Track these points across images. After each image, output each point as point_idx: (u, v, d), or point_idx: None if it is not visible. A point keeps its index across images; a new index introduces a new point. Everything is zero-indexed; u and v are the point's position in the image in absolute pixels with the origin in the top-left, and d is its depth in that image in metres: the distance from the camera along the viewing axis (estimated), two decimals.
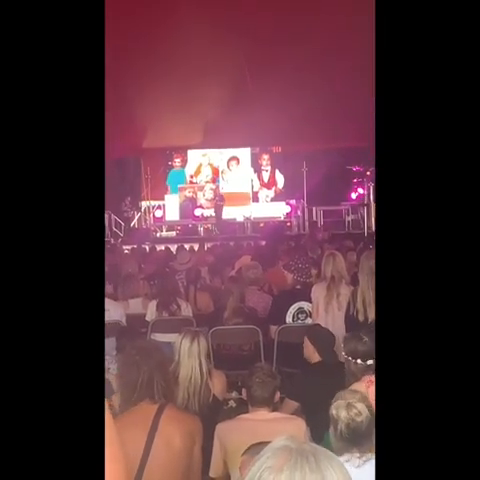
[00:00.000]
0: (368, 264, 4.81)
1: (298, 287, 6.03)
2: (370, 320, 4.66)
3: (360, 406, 2.64)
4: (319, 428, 3.62)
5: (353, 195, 17.45)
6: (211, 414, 3.81)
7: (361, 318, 4.72)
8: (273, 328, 5.94)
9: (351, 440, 2.60)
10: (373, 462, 2.51)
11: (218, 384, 3.95)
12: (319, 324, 5.01)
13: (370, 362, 3.48)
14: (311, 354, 4.32)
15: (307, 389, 4.04)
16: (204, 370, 3.84)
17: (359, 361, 3.50)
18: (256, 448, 2.65)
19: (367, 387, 3.31)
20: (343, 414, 2.62)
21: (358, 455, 2.57)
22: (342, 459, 2.53)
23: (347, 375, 3.54)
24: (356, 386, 3.31)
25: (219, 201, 18.15)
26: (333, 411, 2.66)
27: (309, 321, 5.86)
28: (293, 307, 5.99)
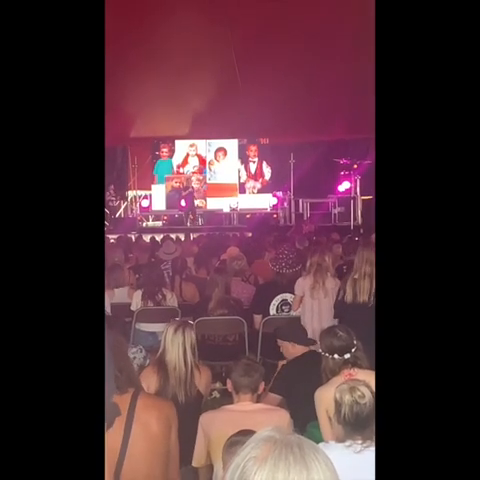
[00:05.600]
0: (366, 253, 4.82)
1: (283, 279, 6.03)
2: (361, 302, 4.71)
3: (363, 389, 2.66)
4: (302, 420, 3.64)
5: (340, 188, 17.42)
6: (195, 405, 3.80)
7: (349, 301, 4.78)
8: (256, 317, 5.95)
9: (354, 425, 2.61)
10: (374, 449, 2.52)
11: (203, 378, 3.93)
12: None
13: (347, 356, 3.49)
14: (291, 350, 4.31)
15: (290, 382, 4.04)
16: (189, 361, 3.82)
17: (336, 356, 3.51)
18: (238, 437, 2.66)
19: (345, 381, 3.32)
20: (347, 397, 2.65)
21: (360, 441, 2.59)
22: (344, 445, 2.58)
23: (325, 370, 3.55)
24: (335, 380, 3.32)
25: (191, 190, 18.09)
26: (336, 395, 2.69)
27: (293, 313, 5.87)
28: (276, 299, 5.99)
